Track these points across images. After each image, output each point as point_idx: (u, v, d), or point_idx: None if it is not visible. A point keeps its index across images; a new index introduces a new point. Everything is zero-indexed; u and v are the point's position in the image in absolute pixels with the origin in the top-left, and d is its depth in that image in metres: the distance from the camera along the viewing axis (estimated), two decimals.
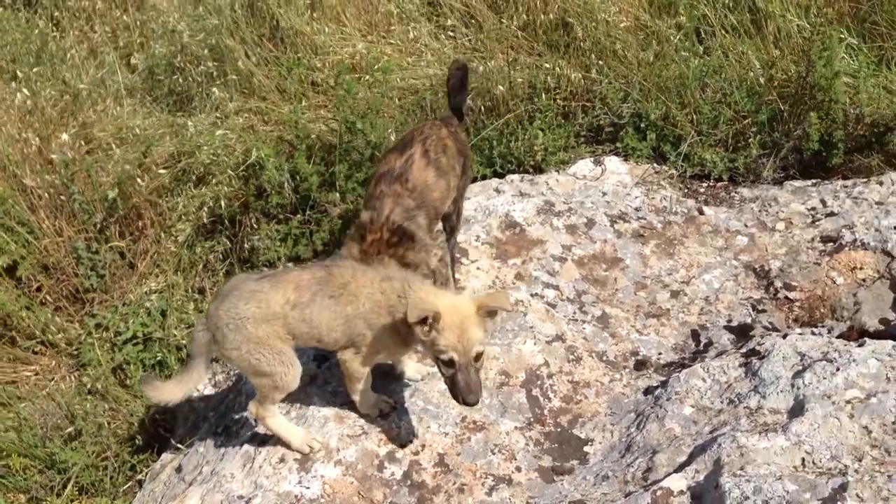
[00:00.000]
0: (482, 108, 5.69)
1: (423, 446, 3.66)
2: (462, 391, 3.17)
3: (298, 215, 5.37)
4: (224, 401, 4.42)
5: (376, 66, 5.72)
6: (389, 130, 5.50)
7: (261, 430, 3.87)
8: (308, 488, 3.52)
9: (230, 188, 5.32)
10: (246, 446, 3.81)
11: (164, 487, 4.11)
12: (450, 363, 3.20)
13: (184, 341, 4.87)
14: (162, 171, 5.43)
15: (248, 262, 5.31)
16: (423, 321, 3.15)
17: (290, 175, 5.33)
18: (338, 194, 5.35)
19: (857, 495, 2.72)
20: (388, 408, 3.76)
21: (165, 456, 4.38)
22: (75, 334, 5.02)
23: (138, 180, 5.26)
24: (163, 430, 4.47)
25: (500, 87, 5.57)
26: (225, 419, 4.19)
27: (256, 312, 3.42)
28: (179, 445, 4.24)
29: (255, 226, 5.30)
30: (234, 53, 6.25)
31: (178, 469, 4.14)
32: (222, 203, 5.21)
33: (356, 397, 3.71)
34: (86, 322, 5.04)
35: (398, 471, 3.58)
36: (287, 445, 3.65)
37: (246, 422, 4.02)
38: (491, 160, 5.49)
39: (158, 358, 4.79)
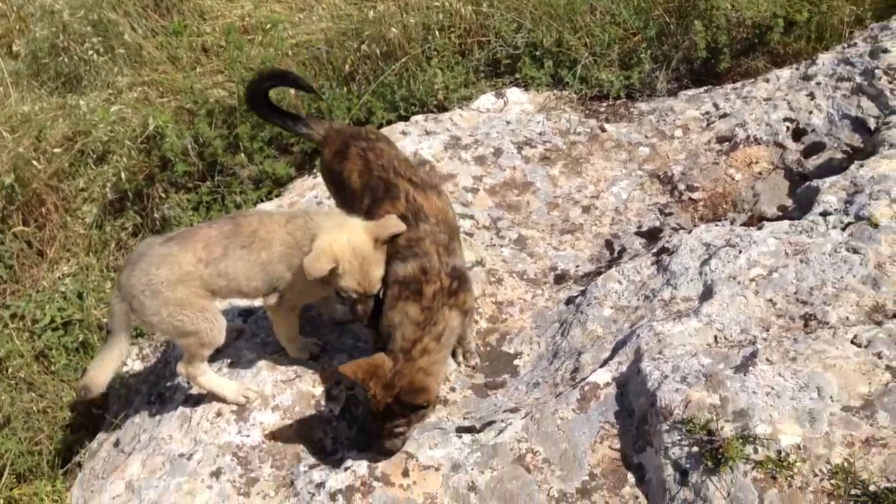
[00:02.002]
0: (378, 53, 5.68)
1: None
2: (360, 317, 3.44)
3: (207, 182, 5.31)
4: (154, 371, 4.38)
5: (267, 24, 5.65)
6: None
7: (194, 391, 3.86)
8: (248, 436, 3.53)
9: (132, 161, 5.21)
10: (181, 408, 3.79)
11: (103, 463, 4.06)
12: (351, 299, 3.37)
13: (105, 320, 4.79)
14: (58, 150, 5.26)
15: (160, 234, 5.22)
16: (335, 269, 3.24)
17: (193, 142, 5.25)
18: (244, 156, 5.31)
19: (767, 359, 2.88)
20: (317, 349, 3.80)
21: (101, 434, 4.32)
22: None
23: (35, 164, 5.11)
24: (95, 410, 4.40)
25: (394, 30, 5.57)
26: (157, 388, 4.16)
27: (169, 275, 3.36)
28: (115, 420, 4.19)
29: (163, 196, 5.22)
30: (118, 27, 6.11)
31: (116, 443, 4.10)
32: (124, 177, 5.10)
33: (285, 343, 3.73)
34: (0, 314, 4.90)
35: (336, 407, 3.62)
36: (222, 399, 3.66)
37: (178, 387, 4.00)
38: (394, 104, 5.51)
39: (81, 339, 4.70)
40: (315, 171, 5.23)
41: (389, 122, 5.41)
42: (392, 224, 3.31)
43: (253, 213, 3.56)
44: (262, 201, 5.21)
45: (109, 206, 5.35)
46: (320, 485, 3.24)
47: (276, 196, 5.26)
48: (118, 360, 3.68)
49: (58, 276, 5.01)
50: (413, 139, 5.10)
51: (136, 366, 4.66)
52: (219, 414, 3.65)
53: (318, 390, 3.68)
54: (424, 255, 3.24)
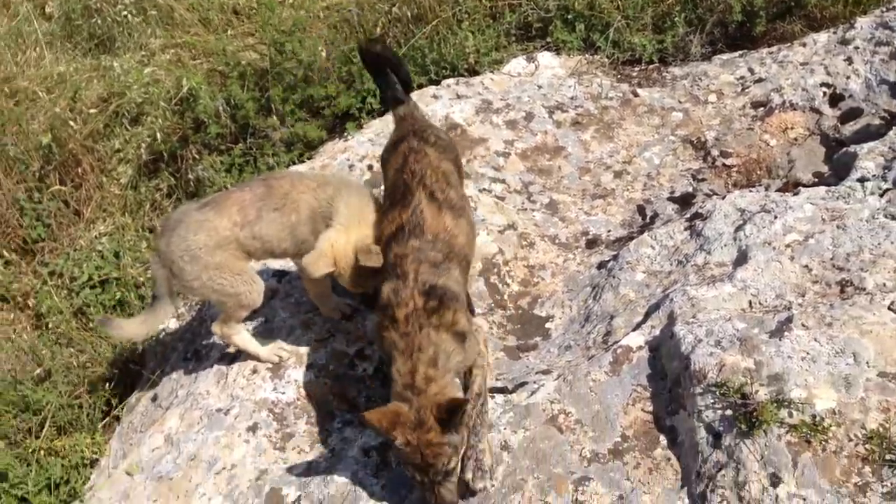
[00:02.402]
0: (409, 16, 5.66)
1: None
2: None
3: (240, 144, 5.35)
4: (190, 329, 4.46)
5: None
6: (320, 48, 5.46)
7: (230, 349, 3.93)
8: (283, 393, 3.60)
9: (166, 123, 5.26)
10: (217, 366, 3.87)
11: (141, 417, 4.16)
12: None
13: (141, 279, 4.88)
14: (93, 111, 5.31)
15: (194, 195, 5.28)
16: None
17: (225, 104, 5.28)
18: (276, 118, 5.33)
19: (803, 324, 2.89)
20: (349, 310, 3.84)
21: (139, 390, 4.42)
22: (30, 285, 4.98)
23: (71, 124, 5.17)
24: (133, 366, 4.50)
25: None
26: (193, 345, 4.24)
27: (207, 241, 3.41)
28: (152, 377, 4.28)
29: (196, 158, 5.26)
30: None
31: (154, 398, 4.19)
32: (158, 137, 5.15)
33: (317, 302, 3.80)
34: (39, 271, 5.00)
35: (369, 367, 3.68)
36: (255, 358, 3.72)
37: (214, 345, 4.07)
38: (425, 68, 5.50)
39: (118, 297, 4.78)
40: (346, 133, 5.26)
41: (420, 86, 5.39)
42: (371, 258, 3.21)
43: (285, 175, 3.60)
44: (294, 164, 5.24)
45: (144, 167, 5.41)
46: (354, 441, 3.31)
47: (308, 159, 5.28)
48: (159, 322, 3.75)
49: (94, 236, 5.09)
50: (444, 103, 5.09)
51: (172, 324, 4.74)
52: (255, 371, 3.72)
53: (352, 349, 3.74)
54: (401, 275, 3.00)
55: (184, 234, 3.41)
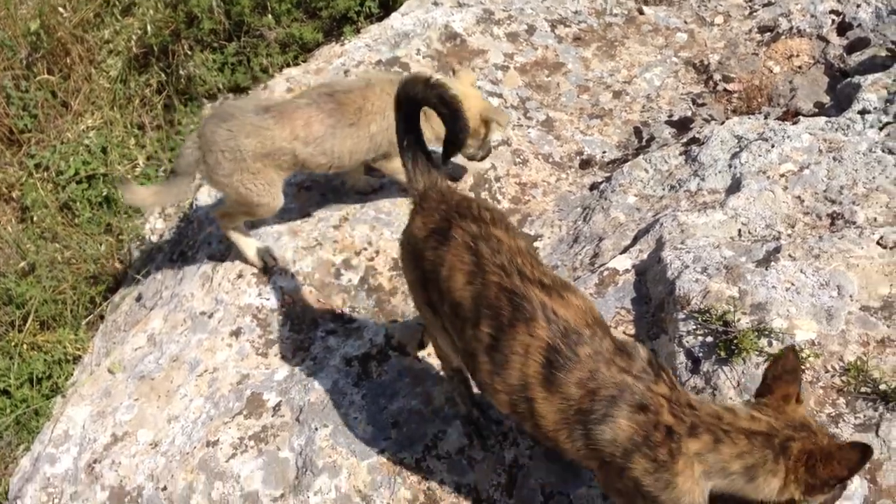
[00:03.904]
0: None
1: (378, 252, 3.74)
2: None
3: (233, 42, 5.21)
4: (177, 229, 4.43)
5: None
6: None
7: (215, 251, 3.91)
8: (268, 300, 3.60)
9: (158, 15, 5.10)
10: (203, 267, 3.86)
11: (125, 317, 4.18)
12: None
13: (129, 176, 4.81)
14: None
15: (185, 93, 5.18)
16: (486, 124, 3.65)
17: None
18: (272, 17, 5.18)
19: (790, 255, 2.87)
20: (377, 184, 3.97)
21: (123, 288, 4.42)
22: (15, 177, 4.92)
23: (61, 10, 5.01)
24: (119, 264, 4.49)
25: None
26: (180, 246, 4.23)
27: (258, 148, 3.37)
28: (137, 276, 4.27)
29: (188, 54, 5.13)
30: None
31: (138, 298, 4.20)
32: (149, 30, 5.00)
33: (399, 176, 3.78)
34: (25, 163, 4.92)
35: (355, 277, 3.67)
36: (243, 258, 3.71)
37: (201, 247, 4.05)
38: None
39: (105, 194, 4.73)
40: (344, 38, 5.12)
41: None
42: (500, 113, 3.72)
43: (353, 89, 3.49)
44: (288, 66, 5.12)
45: (134, 61, 5.28)
46: (336, 350, 3.32)
47: (303, 61, 5.16)
48: (172, 198, 3.75)
49: (82, 129, 5.00)
50: (445, 10, 4.95)
51: (158, 224, 4.71)
52: (240, 276, 3.71)
53: (339, 258, 3.72)
54: (621, 392, 2.08)
55: (236, 132, 3.37)
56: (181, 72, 5.08)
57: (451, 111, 2.49)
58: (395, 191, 3.99)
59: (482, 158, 3.92)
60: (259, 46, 5.15)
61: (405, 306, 3.57)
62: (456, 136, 2.55)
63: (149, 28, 5.03)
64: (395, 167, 3.62)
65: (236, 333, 3.49)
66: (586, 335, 2.14)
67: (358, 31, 5.14)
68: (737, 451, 1.97)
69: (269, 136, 3.36)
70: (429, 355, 3.19)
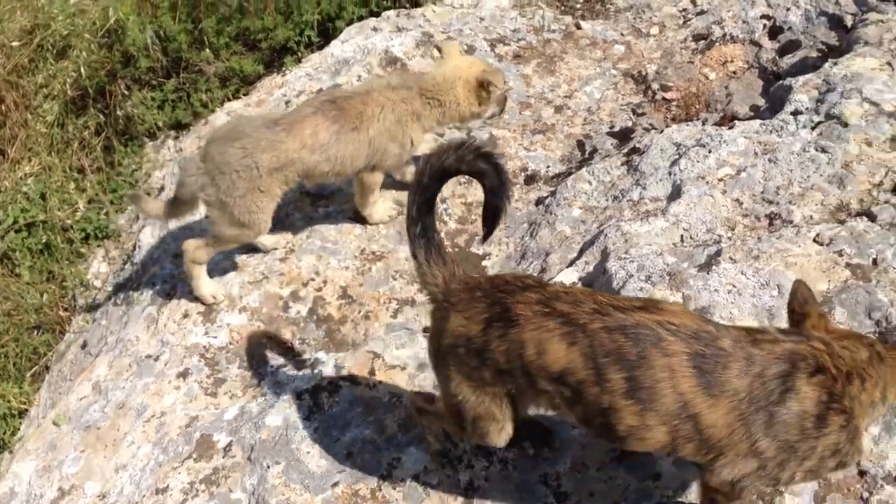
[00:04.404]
0: None
1: (325, 282, 3.70)
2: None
3: (172, 79, 5.15)
4: (121, 272, 4.35)
5: None
6: None
7: (160, 292, 3.84)
8: (215, 338, 3.53)
9: (92, 57, 5.03)
10: (148, 309, 3.78)
11: (71, 365, 4.08)
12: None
13: (69, 221, 4.72)
14: (16, 43, 5.06)
15: (125, 133, 5.10)
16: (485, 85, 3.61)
17: (155, 36, 5.06)
18: (210, 51, 5.14)
19: (731, 258, 2.89)
20: (396, 211, 3.95)
21: (69, 336, 4.32)
22: None
23: None
24: (63, 311, 4.39)
25: None
26: (124, 289, 4.14)
27: (273, 162, 3.37)
28: (83, 322, 4.18)
29: (125, 94, 5.06)
30: None
31: (84, 345, 4.11)
32: (84, 73, 4.93)
33: (373, 208, 3.86)
34: None
35: (303, 308, 3.62)
36: (196, 292, 3.65)
37: (145, 287, 3.98)
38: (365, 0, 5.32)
39: (45, 241, 4.63)
40: (285, 68, 5.09)
41: (361, 18, 5.24)
42: (496, 74, 3.67)
43: (354, 95, 3.54)
44: (229, 100, 5.08)
45: (71, 104, 5.19)
46: (287, 384, 3.26)
47: (244, 94, 5.13)
48: (182, 214, 3.67)
49: (20, 177, 4.90)
50: (384, 35, 4.95)
51: (102, 268, 4.62)
52: (186, 315, 3.64)
53: (286, 291, 3.67)
54: (789, 359, 2.00)
55: (250, 148, 3.35)
56: (119, 112, 5.01)
57: (501, 181, 2.28)
58: (341, 218, 3.96)
59: (501, 112, 3.94)
60: (199, 82, 5.09)
61: (355, 334, 3.53)
62: (500, 212, 2.33)
63: (83, 70, 4.95)
64: (375, 180, 3.70)
65: (183, 375, 3.41)
66: (714, 330, 2.04)
67: (299, 61, 5.12)
68: (874, 383, 2.05)
69: (284, 150, 3.37)
70: (380, 383, 3.14)
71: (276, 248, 3.81)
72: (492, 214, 2.36)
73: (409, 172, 4.01)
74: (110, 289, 4.28)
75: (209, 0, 5.10)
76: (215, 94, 5.08)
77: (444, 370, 2.34)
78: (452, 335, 2.25)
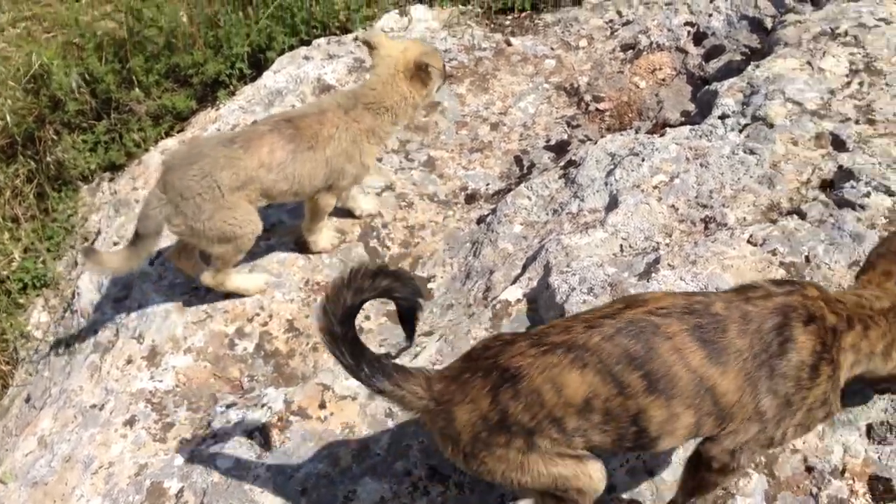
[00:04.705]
0: None
1: (271, 316, 3.66)
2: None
3: (103, 121, 5.07)
4: (61, 322, 4.25)
5: None
6: (181, 13, 5.20)
7: (102, 338, 3.76)
8: (161, 381, 3.47)
9: (18, 103, 4.93)
10: (91, 357, 3.70)
11: (16, 420, 3.97)
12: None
13: (6, 272, 4.60)
14: None
15: (58, 179, 5.00)
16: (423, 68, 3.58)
17: (82, 79, 4.98)
18: (140, 91, 5.07)
19: (669, 264, 2.93)
20: (339, 240, 3.96)
21: (12, 389, 4.21)
22: None
23: None
24: (5, 365, 4.27)
25: None
26: (66, 339, 4.05)
27: (233, 180, 3.34)
28: (25, 375, 4.08)
29: (55, 139, 4.97)
30: None
31: (27, 399, 4.00)
32: (10, 120, 4.83)
33: (318, 235, 3.84)
34: None
35: (250, 345, 3.58)
36: (246, 294, 3.71)
37: (87, 335, 3.90)
38: (294, 28, 5.30)
39: None
40: (218, 102, 5.05)
41: (292, 48, 5.22)
42: (433, 54, 3.67)
43: (309, 114, 3.53)
44: (163, 138, 5.02)
45: (0, 153, 5.08)
46: (238, 423, 3.21)
47: (178, 132, 5.07)
48: (141, 260, 3.56)
49: None
50: (316, 64, 4.94)
51: (43, 318, 4.51)
52: (129, 361, 3.57)
53: (231, 328, 3.62)
54: (782, 312, 2.04)
55: (209, 169, 3.32)
56: (50, 158, 4.92)
57: (408, 286, 2.20)
58: (283, 250, 3.93)
59: (444, 82, 3.94)
60: (130, 122, 5.03)
61: (304, 367, 3.50)
62: (415, 311, 2.26)
63: (9, 118, 4.85)
64: (329, 203, 3.70)
65: (130, 422, 3.34)
66: (703, 298, 2.07)
67: (233, 94, 5.08)
68: (880, 333, 2.09)
69: (242, 167, 3.35)
70: (332, 414, 3.11)
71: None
72: (409, 316, 2.28)
73: (355, 199, 4.01)
74: (52, 339, 4.19)
75: (135, 39, 5.04)
76: (148, 133, 5.02)
77: (485, 467, 2.15)
78: (468, 427, 2.11)
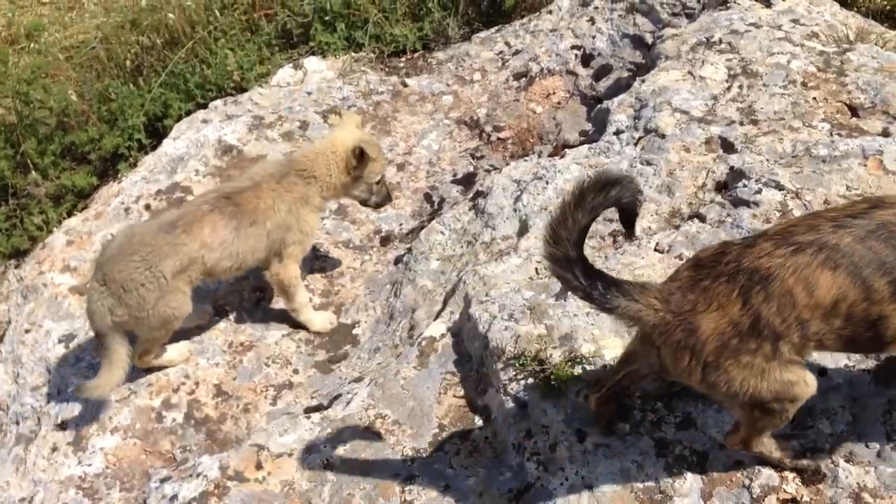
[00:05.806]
0: (160, 42, 5.42)
1: (197, 383, 3.60)
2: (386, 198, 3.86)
3: (2, 207, 4.94)
4: None
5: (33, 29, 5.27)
6: (70, 92, 5.13)
7: (24, 429, 3.63)
8: (90, 465, 3.36)
9: None
10: (15, 450, 3.57)
11: None
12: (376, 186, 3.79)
13: None
14: None
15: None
16: (360, 154, 3.60)
17: None
18: (36, 173, 4.96)
19: None
20: (335, 320, 3.88)
21: None
22: None
23: None
24: None
25: (171, 16, 5.31)
26: None
27: (177, 266, 3.28)
28: None
29: None
30: None
31: None
32: None
33: (306, 314, 3.77)
34: None
35: (179, 415, 3.50)
36: (171, 364, 3.64)
37: (8, 428, 3.75)
38: (189, 93, 5.28)
39: None
40: (120, 175, 4.97)
41: (189, 113, 5.19)
42: (371, 145, 3.69)
43: (244, 188, 3.49)
44: (66, 217, 4.90)
45: None
46: (174, 497, 3.13)
47: (82, 209, 4.96)
48: (125, 363, 3.39)
49: None
50: (215, 126, 4.92)
51: None
52: (54, 449, 3.46)
53: (157, 401, 3.54)
54: None
55: (151, 259, 3.24)
56: None
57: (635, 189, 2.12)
58: (201, 313, 3.87)
59: (377, 205, 3.91)
60: (30, 205, 4.90)
61: (237, 430, 3.44)
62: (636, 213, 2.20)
63: None
64: (291, 275, 3.64)
65: None
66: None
67: (134, 165, 5.01)
68: None
69: (186, 252, 3.29)
70: (269, 474, 3.06)
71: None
72: (632, 215, 2.22)
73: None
74: None
75: (26, 122, 4.94)
76: (50, 215, 4.90)
77: (725, 377, 2.08)
78: (716, 335, 2.04)
